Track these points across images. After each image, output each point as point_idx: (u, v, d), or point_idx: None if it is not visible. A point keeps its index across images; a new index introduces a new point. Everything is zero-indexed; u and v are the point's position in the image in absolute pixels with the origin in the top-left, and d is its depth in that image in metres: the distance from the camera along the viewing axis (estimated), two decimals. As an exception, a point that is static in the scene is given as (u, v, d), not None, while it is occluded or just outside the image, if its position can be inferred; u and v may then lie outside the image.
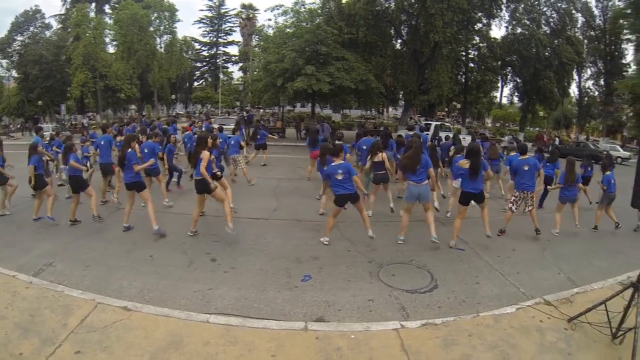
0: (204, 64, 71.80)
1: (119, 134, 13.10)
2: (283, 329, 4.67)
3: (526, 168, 8.44)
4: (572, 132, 56.12)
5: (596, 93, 46.90)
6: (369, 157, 9.39)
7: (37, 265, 6.33)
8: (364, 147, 10.41)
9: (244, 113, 41.78)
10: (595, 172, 11.39)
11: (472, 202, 7.69)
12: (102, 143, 10.39)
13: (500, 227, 8.57)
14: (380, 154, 9.14)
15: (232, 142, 12.89)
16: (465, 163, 7.58)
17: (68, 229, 8.18)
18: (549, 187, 10.50)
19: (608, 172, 9.54)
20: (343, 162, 7.43)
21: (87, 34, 39.61)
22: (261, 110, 55.29)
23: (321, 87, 24.96)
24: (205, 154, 7.35)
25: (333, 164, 7.45)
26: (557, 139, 36.89)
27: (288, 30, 29.48)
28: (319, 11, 29.94)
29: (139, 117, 37.82)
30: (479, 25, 33.50)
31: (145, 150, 9.49)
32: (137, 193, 7.94)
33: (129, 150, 7.90)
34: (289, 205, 10.36)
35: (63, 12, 49.20)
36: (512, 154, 10.20)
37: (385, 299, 5.52)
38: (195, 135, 9.83)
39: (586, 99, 47.00)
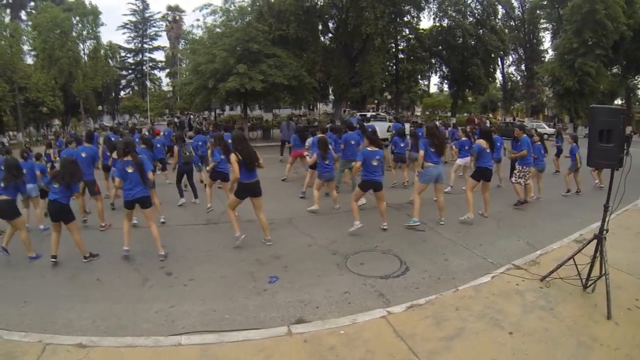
0: (130, 71, 68.69)
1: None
2: (266, 337, 4.23)
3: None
4: (497, 114, 59.07)
5: (518, 77, 49.98)
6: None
7: None
8: (352, 142, 10.16)
9: (175, 119, 40.55)
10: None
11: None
12: (84, 155, 8.67)
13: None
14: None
15: (200, 143, 12.01)
16: (484, 142, 8.21)
17: None
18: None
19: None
20: (378, 149, 7.45)
21: (2, 42, 36.55)
22: (190, 116, 53.79)
23: (254, 86, 24.56)
24: None
25: (369, 149, 7.36)
26: (487, 121, 38.54)
27: (218, 30, 28.85)
28: (249, 9, 29.52)
29: (64, 132, 35.54)
30: (408, 17, 34.39)
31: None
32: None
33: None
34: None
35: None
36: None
37: (361, 289, 5.34)
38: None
39: (509, 83, 49.82)
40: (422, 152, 7.70)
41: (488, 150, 8.24)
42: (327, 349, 3.92)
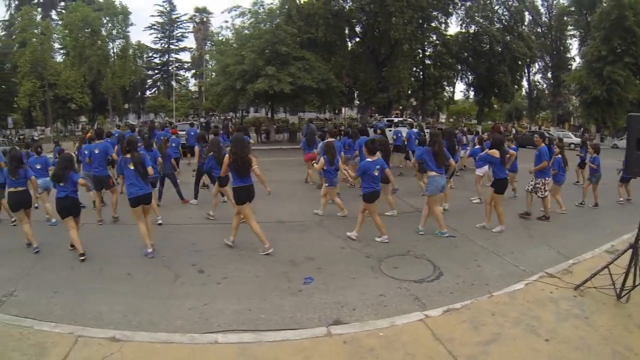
0: (156, 71, 69.97)
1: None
2: (305, 337, 4.24)
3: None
4: (523, 122, 58.41)
5: (544, 85, 49.27)
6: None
7: None
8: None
9: (201, 119, 41.10)
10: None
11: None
12: (97, 152, 8.91)
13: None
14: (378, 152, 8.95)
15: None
16: (496, 152, 7.87)
17: (25, 252, 6.84)
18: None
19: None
20: (379, 158, 7.36)
21: (34, 40, 37.52)
22: (215, 117, 54.31)
23: (282, 88, 24.82)
24: None
25: (369, 160, 7.21)
26: (513, 129, 38.16)
27: (246, 31, 29.20)
28: (278, 11, 29.79)
29: (91, 128, 36.28)
30: (435, 23, 34.34)
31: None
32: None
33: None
34: (265, 208, 9.61)
35: (7, 18, 46.85)
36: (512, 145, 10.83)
37: (396, 292, 5.37)
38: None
39: (535, 91, 49.18)
40: (414, 160, 7.85)
41: (499, 161, 7.94)
42: (366, 351, 3.96)
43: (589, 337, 4.16)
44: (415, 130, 15.79)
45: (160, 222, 8.37)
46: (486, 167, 10.10)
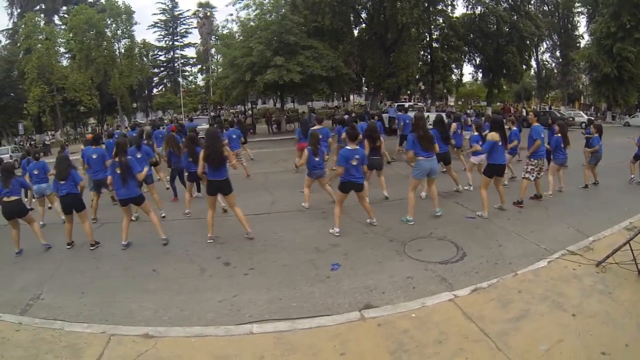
0: (162, 69, 70.35)
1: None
2: (339, 323, 4.33)
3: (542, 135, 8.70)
4: (532, 103, 57.93)
5: (553, 65, 48.73)
6: (366, 141, 8.63)
7: (23, 301, 5.31)
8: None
9: (211, 113, 41.38)
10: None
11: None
12: (94, 157, 9.04)
13: (516, 197, 8.49)
14: (379, 139, 8.92)
15: (234, 137, 12.96)
16: (495, 136, 7.69)
17: (49, 254, 7.00)
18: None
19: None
20: (359, 147, 7.18)
21: (39, 46, 37.80)
22: (224, 110, 54.51)
23: (292, 77, 24.89)
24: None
25: (348, 147, 6.98)
26: (523, 110, 37.92)
27: (252, 23, 29.22)
28: (283, 1, 29.72)
29: (101, 130, 36.70)
30: (441, 5, 34.09)
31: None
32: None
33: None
34: (285, 197, 10.06)
35: (10, 26, 47.25)
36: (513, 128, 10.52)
37: (423, 274, 5.49)
38: None
39: (544, 71, 48.66)
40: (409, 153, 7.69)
41: (500, 144, 7.71)
42: (401, 332, 4.07)
43: (613, 311, 4.24)
44: (409, 114, 15.34)
45: (163, 215, 8.64)
46: (483, 156, 9.36)
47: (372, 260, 5.98)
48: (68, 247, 7.11)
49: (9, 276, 6.22)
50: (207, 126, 21.78)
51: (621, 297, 4.52)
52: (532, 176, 8.52)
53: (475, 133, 10.58)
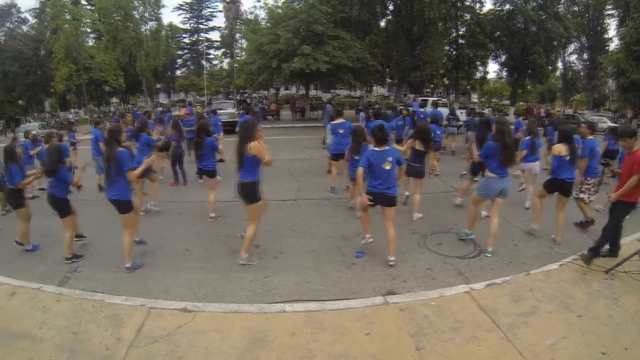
0: (186, 51, 70.66)
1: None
2: (365, 306, 4.70)
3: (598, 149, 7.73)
4: (555, 105, 57.15)
5: (580, 67, 47.92)
6: (409, 141, 7.90)
7: (60, 273, 5.60)
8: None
9: (237, 97, 41.80)
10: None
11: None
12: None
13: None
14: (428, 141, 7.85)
15: None
16: (562, 149, 6.59)
17: (83, 229, 6.98)
18: None
19: None
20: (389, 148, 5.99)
21: (66, 26, 38.22)
22: (246, 94, 54.73)
23: (319, 67, 25.09)
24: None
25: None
26: (541, 109, 37.59)
27: (279, 11, 29.45)
28: (311, -10, 29.84)
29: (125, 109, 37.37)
30: (470, 1, 33.87)
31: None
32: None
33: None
34: (311, 185, 10.42)
35: (38, 5, 47.66)
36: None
37: (442, 267, 5.88)
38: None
39: (570, 73, 47.93)
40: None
41: (568, 159, 6.56)
42: (421, 318, 4.46)
43: (617, 316, 4.51)
44: (428, 110, 15.53)
45: (157, 209, 8.59)
46: (533, 164, 8.85)
47: (395, 251, 6.19)
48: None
49: (42, 249, 6.55)
50: (233, 111, 22.25)
51: (626, 303, 4.77)
52: (587, 196, 7.48)
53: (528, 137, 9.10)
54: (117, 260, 5.91)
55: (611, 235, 5.79)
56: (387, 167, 5.64)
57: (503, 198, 6.31)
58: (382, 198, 5.74)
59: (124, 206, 5.65)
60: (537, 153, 8.98)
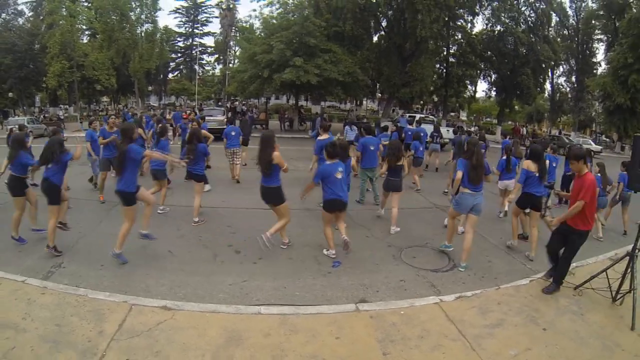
0: (179, 55, 71.06)
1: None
2: (337, 312, 4.88)
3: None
4: (542, 126, 58.03)
5: (567, 89, 48.78)
6: (386, 159, 8.36)
7: (45, 268, 5.71)
8: (371, 148, 9.58)
9: (228, 104, 41.88)
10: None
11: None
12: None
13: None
14: (403, 158, 8.34)
15: (233, 134, 11.91)
16: (532, 166, 7.06)
17: (71, 227, 7.16)
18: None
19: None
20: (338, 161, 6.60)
21: (62, 22, 38.14)
22: (236, 102, 54.90)
23: (309, 79, 25.34)
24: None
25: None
26: (524, 130, 38.11)
27: (274, 21, 29.71)
28: (306, 2, 30.30)
29: (120, 109, 37.25)
30: (461, 21, 34.48)
31: None
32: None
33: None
34: (295, 195, 10.34)
35: (34, -1, 47.63)
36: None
37: (415, 279, 6.05)
38: None
39: (558, 94, 48.78)
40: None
41: (537, 175, 7.04)
42: (389, 325, 4.62)
43: (582, 330, 4.68)
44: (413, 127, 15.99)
45: (164, 210, 8.76)
46: (509, 182, 9.13)
47: (370, 262, 6.55)
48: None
49: (30, 244, 6.57)
50: (222, 118, 22.32)
51: (592, 319, 4.96)
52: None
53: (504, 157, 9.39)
54: (102, 258, 6.03)
55: (569, 265, 5.76)
56: (339, 176, 6.35)
57: (475, 215, 6.47)
58: (339, 203, 6.40)
59: (128, 199, 5.93)
60: (513, 172, 9.19)
